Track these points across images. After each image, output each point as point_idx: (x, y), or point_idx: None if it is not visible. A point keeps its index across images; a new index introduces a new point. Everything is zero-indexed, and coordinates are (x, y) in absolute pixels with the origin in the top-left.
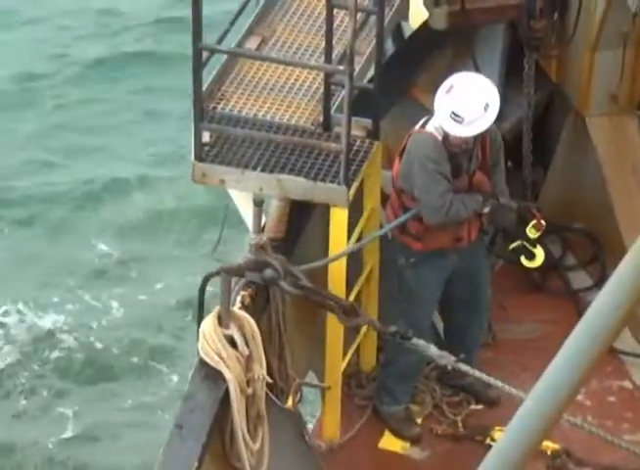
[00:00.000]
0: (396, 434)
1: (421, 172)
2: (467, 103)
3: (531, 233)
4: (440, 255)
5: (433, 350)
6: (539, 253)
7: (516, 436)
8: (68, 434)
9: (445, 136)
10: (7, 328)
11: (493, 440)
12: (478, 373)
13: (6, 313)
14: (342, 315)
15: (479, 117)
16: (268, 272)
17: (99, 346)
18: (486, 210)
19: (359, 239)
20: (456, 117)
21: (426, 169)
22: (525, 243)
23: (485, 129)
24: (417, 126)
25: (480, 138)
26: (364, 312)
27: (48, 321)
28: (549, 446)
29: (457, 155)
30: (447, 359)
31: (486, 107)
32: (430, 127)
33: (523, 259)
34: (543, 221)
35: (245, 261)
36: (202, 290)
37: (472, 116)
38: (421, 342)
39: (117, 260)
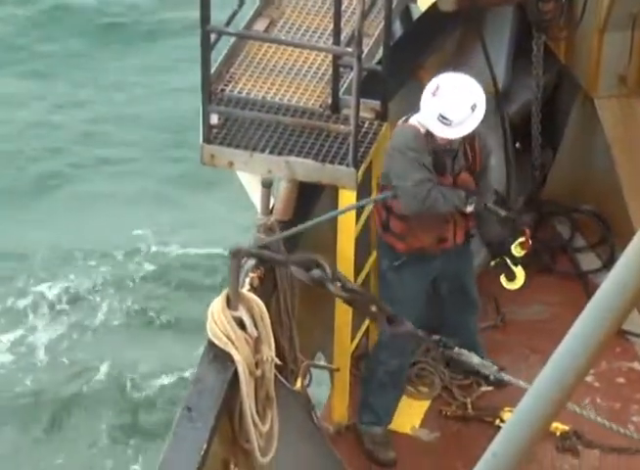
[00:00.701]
0: (370, 455)
1: (400, 160)
2: (454, 105)
3: (516, 251)
4: (424, 259)
5: (475, 359)
6: (520, 273)
7: (525, 417)
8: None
9: (429, 131)
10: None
11: (502, 421)
12: (522, 383)
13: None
14: (386, 323)
15: (466, 118)
16: (316, 273)
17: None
18: (470, 208)
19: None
20: (444, 119)
21: (405, 157)
22: (507, 260)
23: (473, 130)
24: (400, 121)
25: (469, 139)
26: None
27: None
28: (558, 427)
29: (440, 151)
30: (490, 369)
31: (474, 107)
32: (413, 121)
33: (502, 279)
34: (531, 241)
35: (294, 258)
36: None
37: (460, 117)
38: (464, 351)
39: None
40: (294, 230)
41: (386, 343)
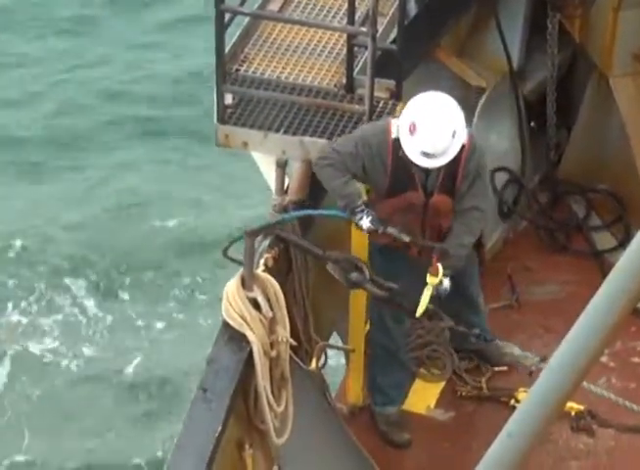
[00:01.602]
0: (384, 436)
1: (349, 136)
2: (435, 139)
3: (429, 278)
4: (398, 255)
5: (516, 350)
6: (424, 300)
7: (540, 397)
8: None
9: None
10: None
11: (517, 401)
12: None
13: None
14: (426, 320)
15: (449, 146)
16: (354, 275)
17: None
18: (364, 225)
19: None
20: (426, 154)
21: (353, 139)
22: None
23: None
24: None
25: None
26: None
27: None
28: (573, 407)
29: (409, 163)
30: (531, 360)
31: (454, 134)
32: (393, 122)
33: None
34: (440, 266)
35: (332, 255)
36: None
37: (442, 148)
38: (505, 343)
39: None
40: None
41: (376, 321)
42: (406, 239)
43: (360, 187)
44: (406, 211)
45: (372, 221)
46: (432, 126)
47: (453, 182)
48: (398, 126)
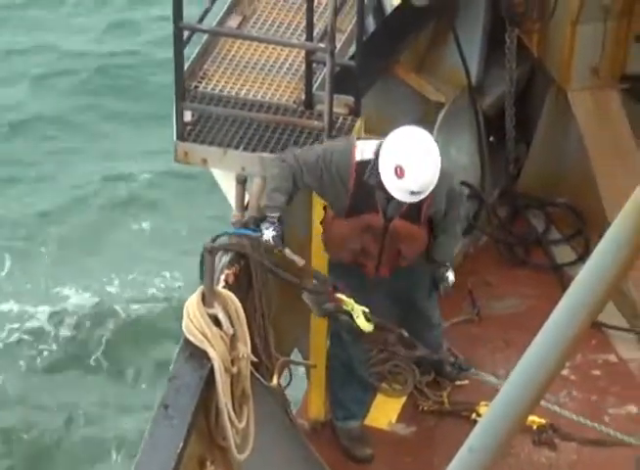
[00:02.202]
0: (346, 452)
1: (312, 148)
2: (424, 180)
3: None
4: (351, 273)
5: (493, 379)
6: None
7: (501, 411)
8: None
9: (364, 163)
10: None
11: (479, 415)
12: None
13: None
14: (402, 349)
15: (434, 181)
16: (330, 306)
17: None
18: (265, 232)
19: None
20: (413, 192)
21: (316, 151)
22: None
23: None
24: (358, 138)
25: None
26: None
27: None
28: (535, 420)
29: (372, 188)
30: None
31: (435, 171)
32: (358, 147)
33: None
34: (339, 295)
35: (308, 286)
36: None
37: (430, 186)
38: (482, 373)
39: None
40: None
41: (334, 335)
42: (301, 263)
43: (284, 203)
44: (364, 231)
45: (274, 237)
46: (419, 168)
47: (419, 210)
48: (373, 161)
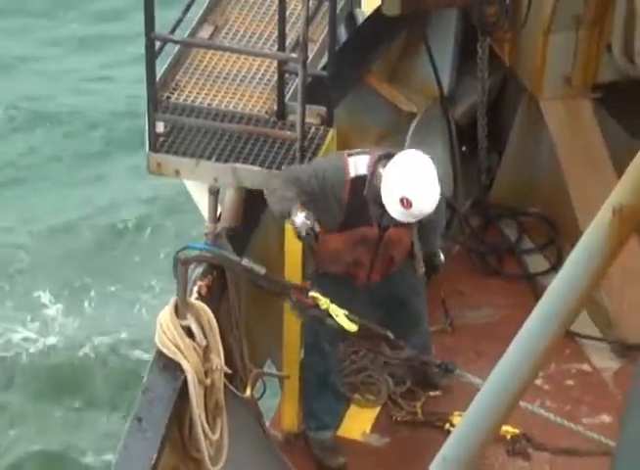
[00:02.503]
0: (319, 462)
1: (304, 169)
2: (429, 207)
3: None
4: (341, 283)
5: (477, 381)
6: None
7: (475, 421)
8: None
9: (359, 179)
10: None
11: (453, 425)
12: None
13: None
14: (388, 349)
15: (436, 204)
16: (314, 311)
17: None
18: (295, 221)
19: None
20: (416, 216)
21: (307, 168)
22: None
23: None
24: (349, 153)
25: None
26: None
27: None
28: (509, 430)
29: (369, 200)
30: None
31: (438, 195)
32: (350, 162)
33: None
34: (313, 294)
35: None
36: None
37: (432, 209)
38: (468, 375)
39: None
40: None
41: (309, 346)
42: (261, 272)
43: (295, 197)
44: (358, 244)
45: (307, 216)
46: (425, 198)
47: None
48: (368, 176)
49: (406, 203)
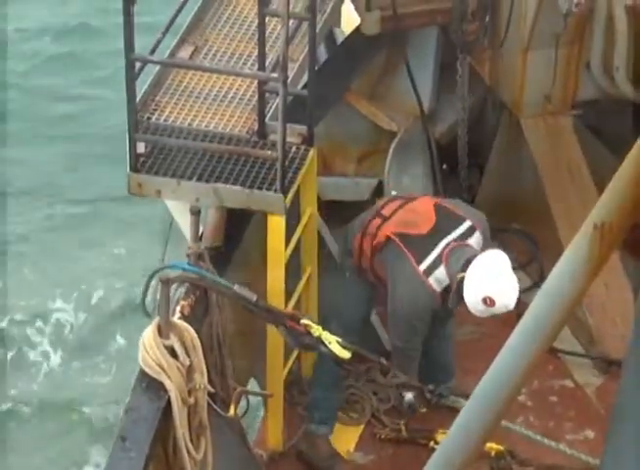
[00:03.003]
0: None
1: (402, 318)
2: (512, 302)
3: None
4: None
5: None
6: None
7: (459, 438)
8: None
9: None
10: None
11: (437, 442)
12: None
13: None
14: (381, 375)
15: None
16: (307, 339)
17: None
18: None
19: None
20: (500, 312)
21: (409, 320)
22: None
23: None
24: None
25: None
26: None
27: None
28: (493, 447)
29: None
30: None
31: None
32: (432, 281)
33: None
34: (305, 321)
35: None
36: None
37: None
38: (461, 400)
39: None
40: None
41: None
42: (253, 298)
43: None
44: None
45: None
46: (508, 296)
47: None
48: (455, 286)
49: (489, 301)
